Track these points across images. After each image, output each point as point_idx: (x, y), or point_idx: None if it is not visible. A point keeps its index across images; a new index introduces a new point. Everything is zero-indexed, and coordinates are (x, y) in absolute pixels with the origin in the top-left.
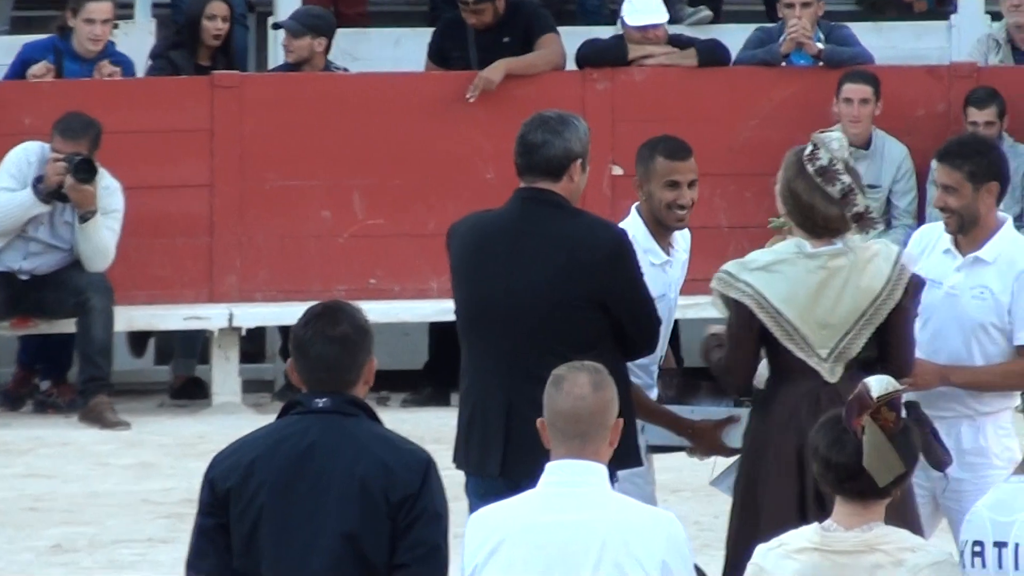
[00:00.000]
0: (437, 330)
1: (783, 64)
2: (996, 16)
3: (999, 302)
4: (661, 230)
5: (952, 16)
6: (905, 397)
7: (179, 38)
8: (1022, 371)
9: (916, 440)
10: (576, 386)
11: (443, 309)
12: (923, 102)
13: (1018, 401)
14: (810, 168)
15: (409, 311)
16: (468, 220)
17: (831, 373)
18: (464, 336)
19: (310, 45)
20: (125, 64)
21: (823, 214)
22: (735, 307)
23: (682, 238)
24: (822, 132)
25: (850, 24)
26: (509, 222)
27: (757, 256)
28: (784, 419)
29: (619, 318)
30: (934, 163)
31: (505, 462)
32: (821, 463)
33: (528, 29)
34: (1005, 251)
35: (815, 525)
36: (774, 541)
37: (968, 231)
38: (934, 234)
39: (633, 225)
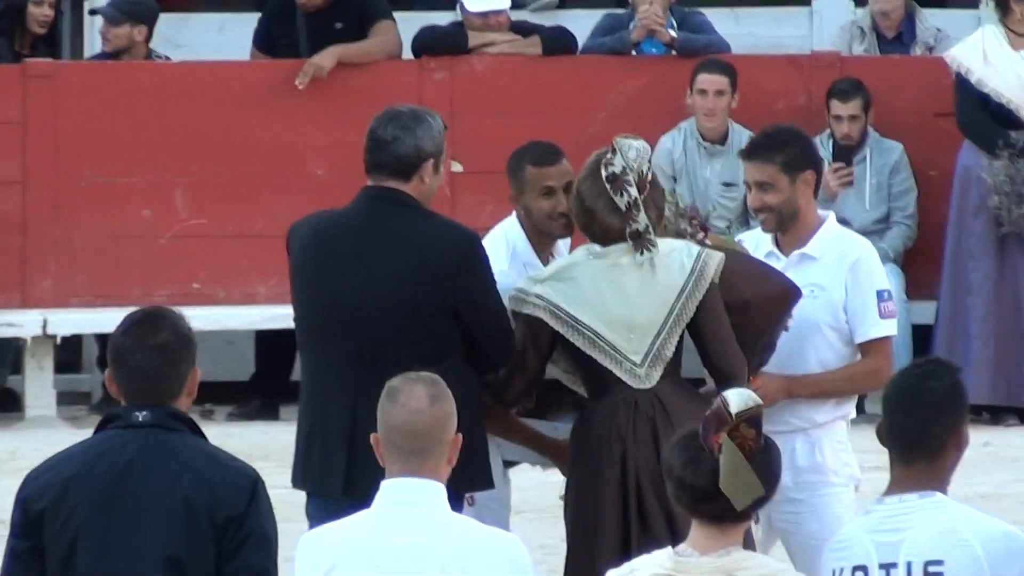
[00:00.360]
0: (265, 338)
1: (633, 53)
2: (860, 2)
3: (832, 299)
4: (543, 240)
5: (814, 2)
6: None
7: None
8: (869, 371)
9: (777, 460)
10: (412, 399)
11: (271, 316)
12: (783, 94)
13: (853, 412)
14: (603, 173)
15: (235, 318)
16: (310, 220)
17: (646, 378)
18: (304, 346)
19: (129, 33)
20: None
21: (603, 223)
22: (525, 323)
23: (564, 245)
24: (625, 137)
25: (705, 10)
26: (354, 222)
27: (545, 268)
28: (603, 430)
29: (470, 327)
30: (743, 163)
31: (348, 481)
32: (675, 483)
33: (362, 15)
34: (832, 245)
35: (668, 549)
36: (625, 567)
37: (789, 228)
38: (754, 240)
39: (513, 234)
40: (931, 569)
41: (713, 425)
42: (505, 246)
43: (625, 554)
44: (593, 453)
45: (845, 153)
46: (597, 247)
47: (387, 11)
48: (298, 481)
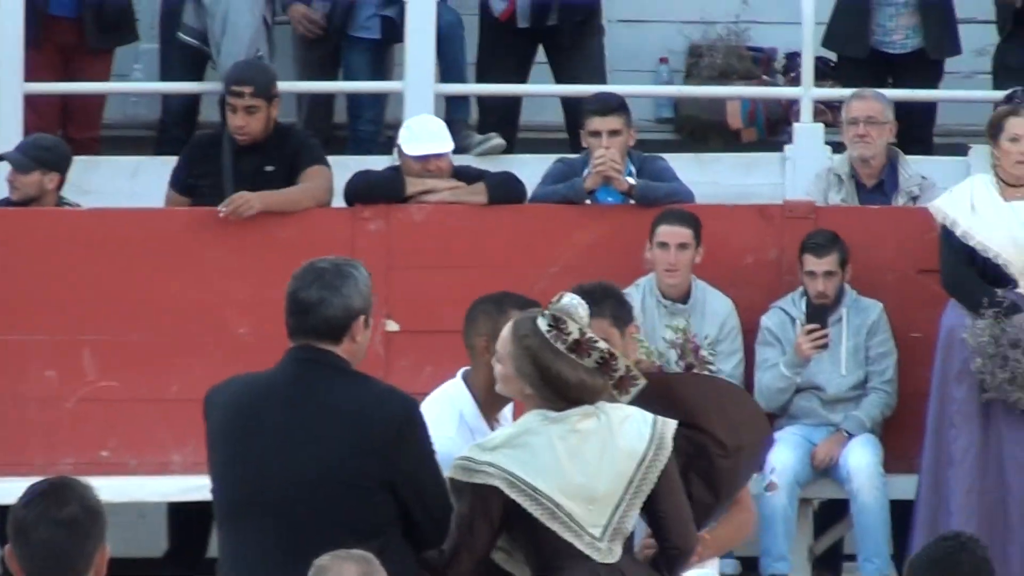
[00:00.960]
0: (179, 510)
1: (588, 202)
2: (837, 148)
3: None
4: (493, 404)
5: (786, 147)
6: None
7: None
8: (746, 520)
9: None
10: None
11: (187, 487)
12: (752, 248)
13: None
14: (562, 347)
15: (147, 489)
16: (230, 385)
17: (608, 553)
18: (225, 523)
19: (40, 181)
20: None
21: (591, 388)
22: (472, 493)
23: (508, 412)
24: (557, 301)
25: (667, 155)
26: (282, 388)
27: (494, 435)
28: None
29: (408, 502)
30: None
31: None
32: None
33: (295, 158)
34: None
35: None
36: None
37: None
38: None
39: (460, 399)
40: None
41: None
42: (451, 411)
43: None
44: None
45: (819, 313)
46: (552, 412)
47: (322, 157)
48: None
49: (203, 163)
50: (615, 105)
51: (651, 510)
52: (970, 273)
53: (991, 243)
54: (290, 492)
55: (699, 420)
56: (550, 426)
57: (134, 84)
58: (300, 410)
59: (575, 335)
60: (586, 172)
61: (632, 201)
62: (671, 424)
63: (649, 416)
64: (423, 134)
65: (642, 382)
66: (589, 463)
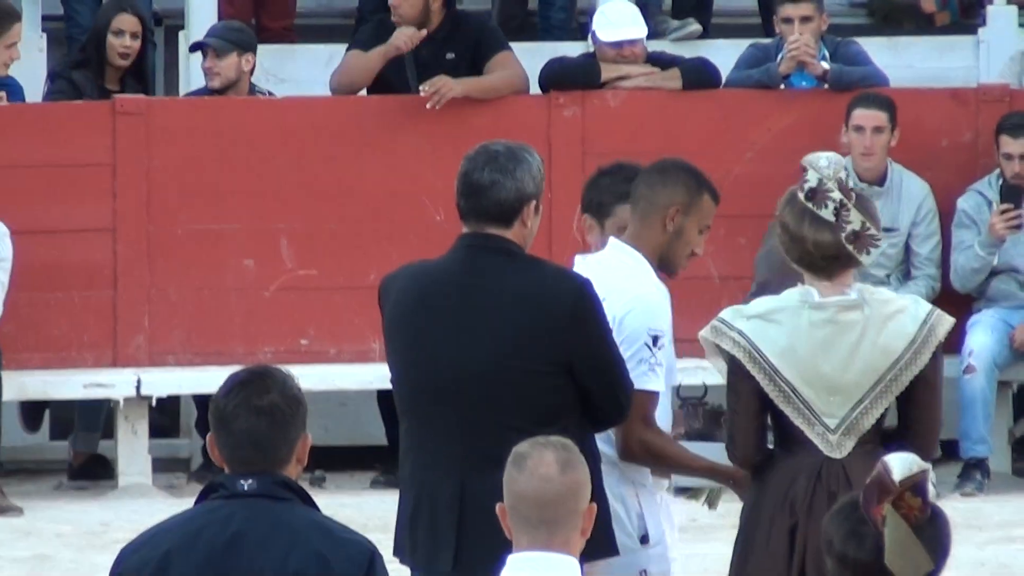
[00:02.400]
0: (389, 400)
1: (782, 87)
2: None
3: None
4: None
5: (980, 30)
6: None
7: (83, 56)
8: None
9: (946, 530)
10: (542, 465)
11: (387, 375)
12: (947, 131)
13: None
14: (800, 195)
15: (348, 377)
16: (404, 272)
17: (837, 447)
18: (405, 410)
19: (237, 63)
20: (12, 88)
21: (814, 241)
22: (729, 360)
23: None
24: (812, 154)
25: (860, 39)
26: (455, 275)
27: (758, 302)
28: (780, 495)
29: (586, 384)
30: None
31: (459, 556)
32: (836, 559)
33: (477, 46)
34: None
35: None
36: None
37: None
38: None
39: (637, 258)
40: None
41: (875, 494)
42: (642, 265)
43: None
44: (764, 516)
45: (1014, 193)
46: (816, 295)
47: (505, 42)
48: (403, 555)
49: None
50: None
51: (901, 410)
52: None
53: None
54: (467, 378)
55: None
56: (810, 310)
57: None
58: (473, 296)
59: (811, 183)
60: (780, 57)
61: (826, 86)
62: (945, 322)
63: (923, 312)
64: (618, 20)
65: (883, 242)
66: (840, 355)
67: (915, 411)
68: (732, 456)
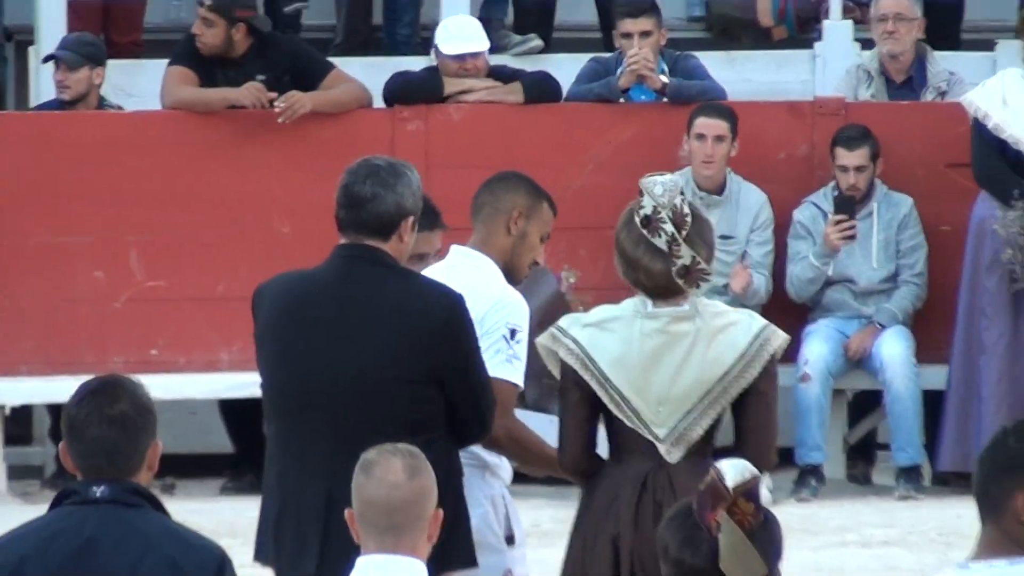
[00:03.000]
0: (232, 409)
1: (622, 100)
2: (867, 45)
3: None
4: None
5: (816, 45)
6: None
7: None
8: None
9: (778, 533)
10: (390, 472)
11: (235, 384)
12: (784, 143)
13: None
14: (636, 219)
15: (197, 386)
16: (280, 281)
17: (666, 455)
18: (273, 416)
19: (88, 77)
20: None
21: (647, 269)
22: (562, 368)
23: None
24: (649, 176)
25: (699, 54)
26: (331, 284)
27: (597, 310)
28: (605, 504)
29: (453, 395)
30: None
31: (323, 559)
32: (672, 565)
33: (298, 69)
34: None
35: None
36: None
37: None
38: None
39: (487, 263)
40: None
41: (709, 501)
42: (494, 270)
43: None
44: (589, 524)
45: (846, 205)
46: (650, 304)
47: (329, 62)
48: (265, 559)
49: (199, 71)
50: (646, 6)
51: (735, 422)
52: (1001, 165)
53: (1022, 135)
54: (339, 386)
55: None
56: (643, 320)
57: None
58: (349, 305)
59: (646, 210)
60: (620, 71)
61: (665, 99)
62: (777, 339)
63: (757, 326)
64: (460, 33)
65: (712, 278)
66: (669, 366)
67: (747, 423)
68: (561, 463)
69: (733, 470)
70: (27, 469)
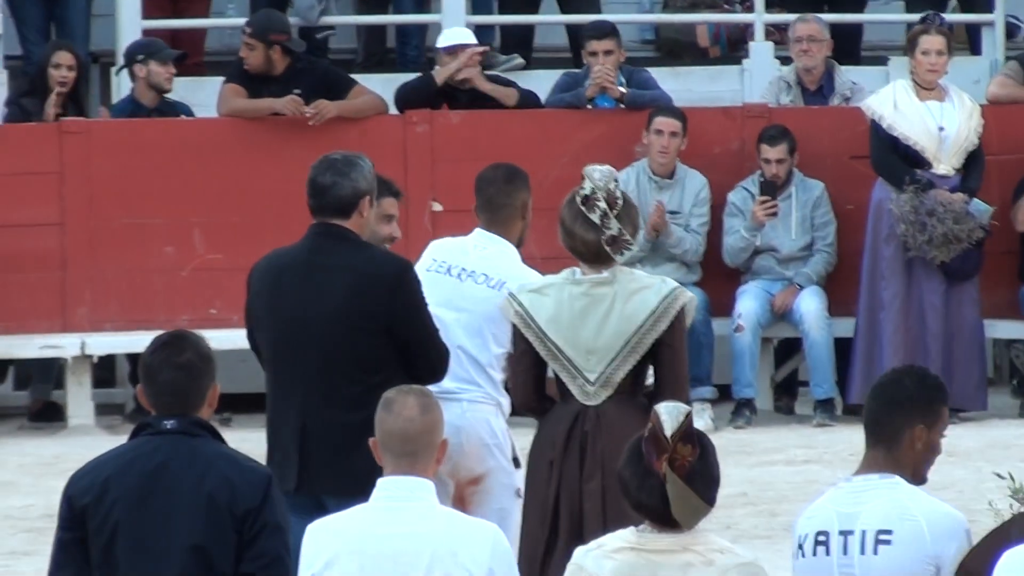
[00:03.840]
0: None
1: (589, 107)
2: (785, 61)
3: None
4: None
5: (744, 61)
6: None
7: (30, 86)
8: None
9: (714, 462)
10: (405, 408)
11: None
12: (720, 140)
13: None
14: (577, 199)
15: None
16: (267, 257)
17: (594, 396)
18: (265, 363)
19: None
20: None
21: (582, 239)
22: (512, 326)
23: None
24: (590, 165)
25: (650, 69)
26: (302, 255)
27: (538, 279)
28: (545, 436)
29: (403, 343)
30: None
31: (300, 479)
32: (632, 502)
33: (328, 86)
34: None
35: (631, 528)
36: (593, 543)
37: None
38: None
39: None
40: (881, 538)
41: (653, 449)
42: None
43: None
44: (537, 447)
45: (769, 188)
46: (579, 273)
47: (352, 78)
48: None
49: (249, 86)
50: (608, 30)
51: (653, 369)
52: (894, 158)
53: (910, 133)
54: (311, 332)
55: None
56: (571, 286)
57: (228, 20)
58: (316, 270)
59: (585, 191)
60: (587, 83)
61: (623, 106)
62: (683, 298)
63: (667, 289)
64: (451, 34)
65: (634, 248)
66: (593, 323)
67: (661, 369)
68: (514, 403)
69: (669, 417)
70: (111, 407)
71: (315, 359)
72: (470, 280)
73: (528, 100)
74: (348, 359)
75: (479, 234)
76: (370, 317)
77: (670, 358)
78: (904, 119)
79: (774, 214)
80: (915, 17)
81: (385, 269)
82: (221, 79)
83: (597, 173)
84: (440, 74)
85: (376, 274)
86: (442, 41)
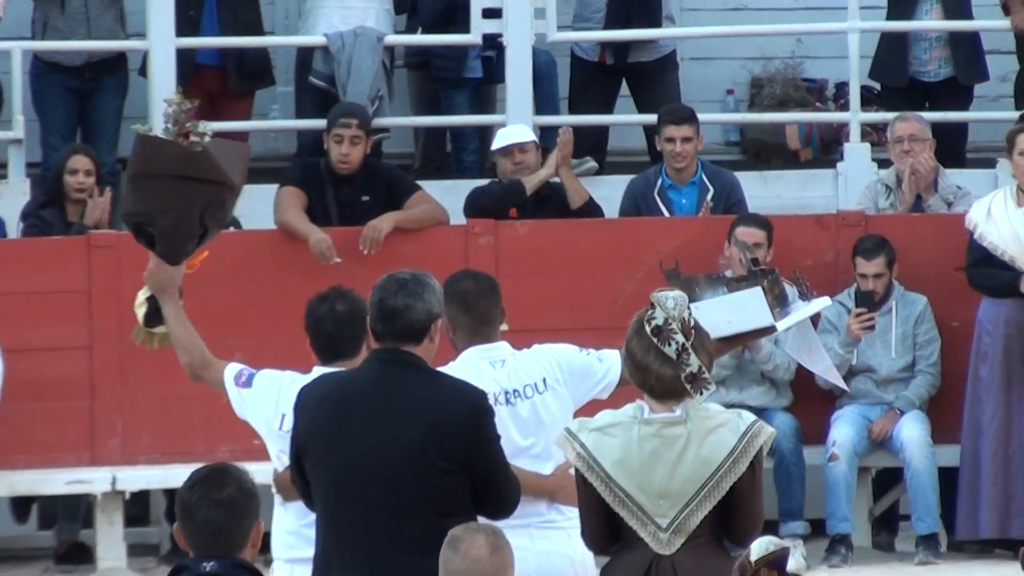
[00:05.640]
0: None
1: (664, 213)
2: (883, 164)
3: None
4: None
5: (839, 164)
6: None
7: (47, 196)
8: None
9: None
10: (473, 547)
11: None
12: (811, 251)
13: None
14: (647, 328)
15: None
16: (322, 383)
17: (667, 544)
18: (319, 501)
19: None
20: None
21: (657, 374)
22: (575, 468)
23: None
24: (660, 291)
25: (735, 173)
26: (369, 385)
27: (599, 416)
28: None
29: (479, 481)
30: None
31: None
32: None
33: (390, 189)
34: None
35: None
36: None
37: None
38: None
39: None
40: None
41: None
42: None
43: None
44: None
45: (867, 299)
46: (647, 411)
47: (416, 184)
48: None
49: (312, 191)
50: (687, 115)
51: (724, 512)
52: (988, 268)
53: (999, 242)
54: (381, 471)
55: None
56: (640, 425)
57: (272, 123)
58: (386, 402)
59: (658, 320)
60: (660, 172)
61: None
62: (763, 435)
63: (744, 424)
64: (506, 133)
65: (713, 387)
66: (665, 467)
67: (735, 511)
68: (585, 541)
69: (759, 546)
70: (146, 547)
71: (385, 499)
72: (519, 400)
73: (592, 207)
74: (422, 500)
75: (481, 351)
76: (448, 455)
77: (747, 500)
78: (995, 228)
79: (871, 327)
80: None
81: (463, 403)
82: (264, 186)
83: (670, 301)
84: (530, 182)
85: (455, 409)
86: (497, 141)
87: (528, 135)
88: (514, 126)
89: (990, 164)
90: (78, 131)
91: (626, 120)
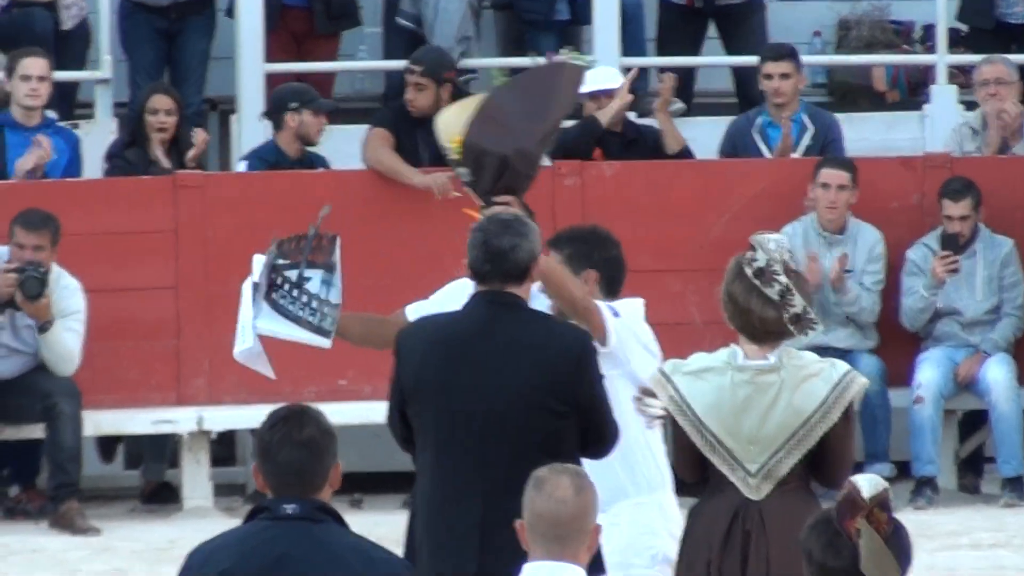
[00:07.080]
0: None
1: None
2: (970, 106)
3: None
4: None
5: (925, 106)
6: None
7: (131, 136)
8: None
9: (907, 540)
10: (558, 489)
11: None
12: (897, 194)
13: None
14: (748, 271)
15: (381, 412)
16: (427, 326)
17: (756, 490)
18: (428, 443)
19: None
20: (67, 136)
21: (760, 316)
22: (666, 408)
23: None
24: (760, 233)
25: None
26: (476, 326)
27: (692, 359)
28: (701, 534)
29: (584, 421)
30: None
31: (480, 569)
32: (816, 567)
33: None
34: None
35: None
36: None
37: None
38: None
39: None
40: None
41: (848, 510)
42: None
43: None
44: (691, 548)
45: (952, 242)
46: (740, 356)
47: None
48: (426, 570)
49: (404, 129)
50: (786, 52)
51: (814, 456)
52: None
53: None
54: (496, 416)
55: None
56: (733, 371)
57: (360, 63)
58: (494, 344)
59: (759, 263)
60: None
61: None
62: (856, 385)
63: (837, 375)
64: (595, 77)
65: (820, 327)
66: (757, 413)
67: (826, 457)
68: (676, 474)
69: (868, 484)
70: (232, 487)
71: (499, 441)
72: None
73: (687, 153)
74: (534, 442)
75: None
76: (561, 397)
77: (838, 449)
78: None
79: (956, 270)
80: None
81: (572, 345)
82: (351, 127)
83: (772, 243)
84: (604, 115)
85: (565, 351)
86: (585, 85)
87: (617, 80)
88: (601, 69)
89: None
90: (165, 71)
91: (714, 62)
